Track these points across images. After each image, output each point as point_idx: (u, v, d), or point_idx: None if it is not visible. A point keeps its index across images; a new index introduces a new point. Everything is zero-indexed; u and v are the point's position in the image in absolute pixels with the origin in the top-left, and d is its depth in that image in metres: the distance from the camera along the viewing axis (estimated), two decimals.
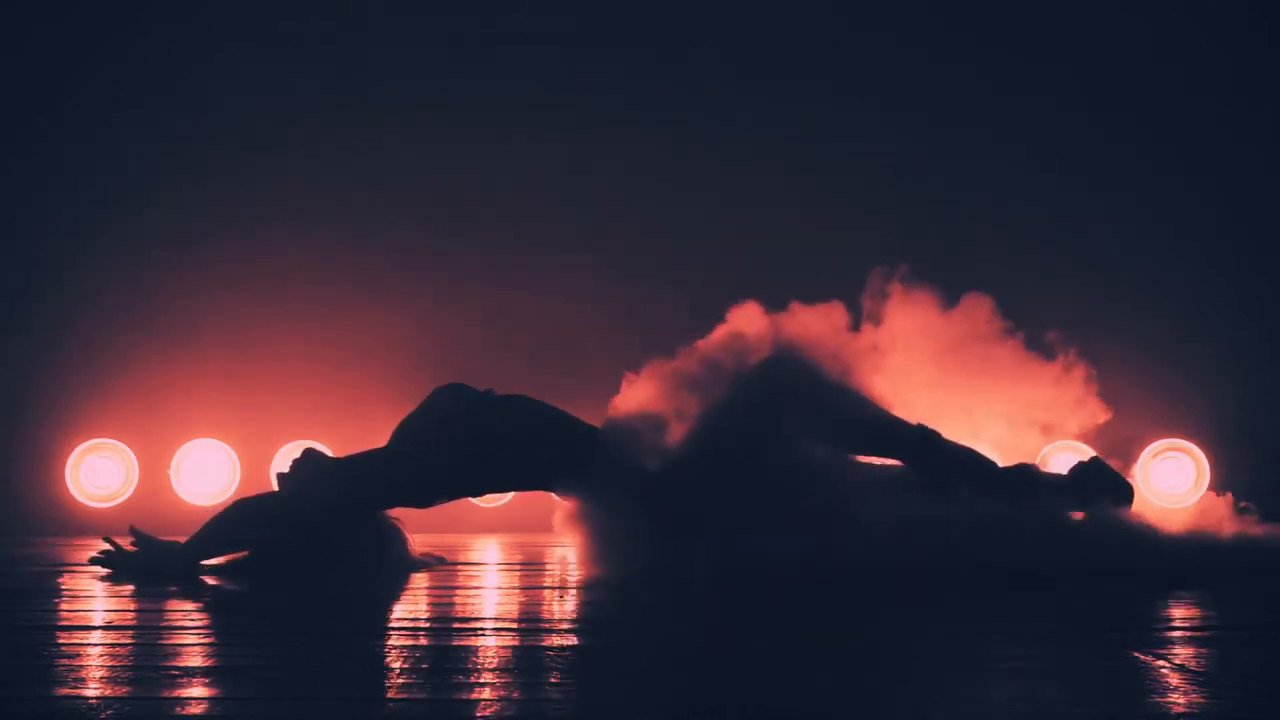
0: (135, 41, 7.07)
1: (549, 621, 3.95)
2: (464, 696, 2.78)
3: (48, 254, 7.02)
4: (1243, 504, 5.03)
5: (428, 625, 3.83)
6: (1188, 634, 3.51)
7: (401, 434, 4.87)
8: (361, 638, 3.63)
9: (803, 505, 4.56)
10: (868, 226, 6.53)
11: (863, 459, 4.78)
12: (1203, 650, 3.26)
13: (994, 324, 5.08)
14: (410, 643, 3.51)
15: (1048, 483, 4.75)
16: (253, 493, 5.11)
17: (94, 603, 4.25)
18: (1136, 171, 6.88)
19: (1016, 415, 5.09)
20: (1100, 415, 5.18)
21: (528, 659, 3.23)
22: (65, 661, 3.14)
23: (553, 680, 2.95)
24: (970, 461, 4.72)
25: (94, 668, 3.06)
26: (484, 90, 6.97)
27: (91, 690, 2.82)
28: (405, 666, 3.12)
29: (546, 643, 3.50)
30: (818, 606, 4.08)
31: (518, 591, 4.54)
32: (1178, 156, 6.87)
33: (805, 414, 4.67)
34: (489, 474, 4.78)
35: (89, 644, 3.40)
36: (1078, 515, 4.70)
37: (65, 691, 2.82)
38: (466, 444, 4.77)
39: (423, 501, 4.89)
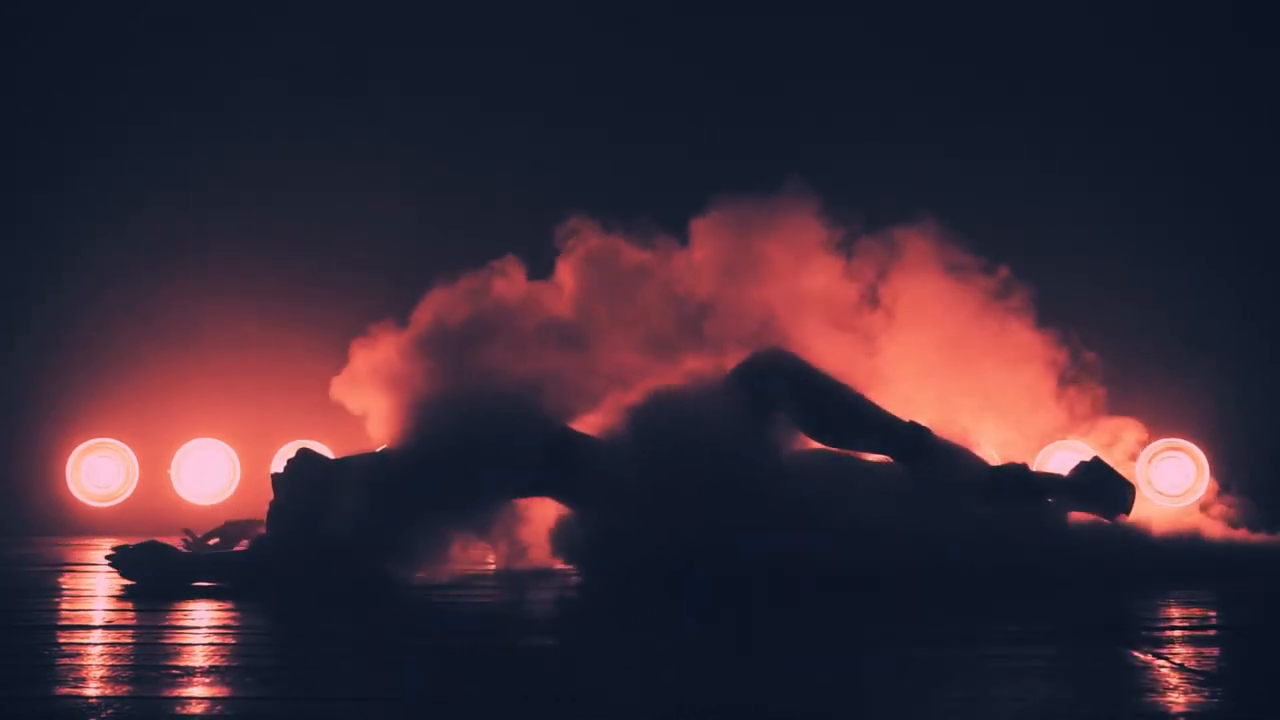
0: (136, 46, 7.06)
1: (532, 622, 3.96)
2: (458, 693, 2.81)
3: (48, 254, 7.02)
4: (1232, 496, 5.04)
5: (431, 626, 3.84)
6: (1188, 634, 3.51)
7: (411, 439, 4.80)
8: (365, 638, 3.63)
9: (794, 506, 4.54)
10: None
11: (855, 455, 4.76)
12: (1203, 650, 3.26)
13: (997, 287, 5.07)
14: (412, 642, 3.53)
15: (1042, 482, 4.73)
16: (252, 492, 5.07)
17: (94, 602, 4.26)
18: (1135, 172, 6.87)
19: (1017, 407, 5.08)
20: (1109, 426, 5.20)
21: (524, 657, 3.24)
22: (65, 661, 3.13)
23: (550, 677, 2.98)
24: (962, 459, 4.71)
25: (94, 667, 3.06)
26: (457, 94, 7.00)
27: (92, 690, 2.81)
28: (405, 666, 3.13)
29: (538, 642, 3.51)
30: (815, 607, 4.08)
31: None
32: (1177, 158, 6.86)
33: (795, 411, 4.65)
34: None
35: (89, 644, 3.40)
36: (1077, 516, 4.69)
37: (65, 691, 2.82)
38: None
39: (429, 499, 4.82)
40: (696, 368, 4.71)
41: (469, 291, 4.88)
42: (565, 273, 4.90)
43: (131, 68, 7.07)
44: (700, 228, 4.96)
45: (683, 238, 4.96)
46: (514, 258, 4.90)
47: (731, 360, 4.75)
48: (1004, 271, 5.09)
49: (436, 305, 4.87)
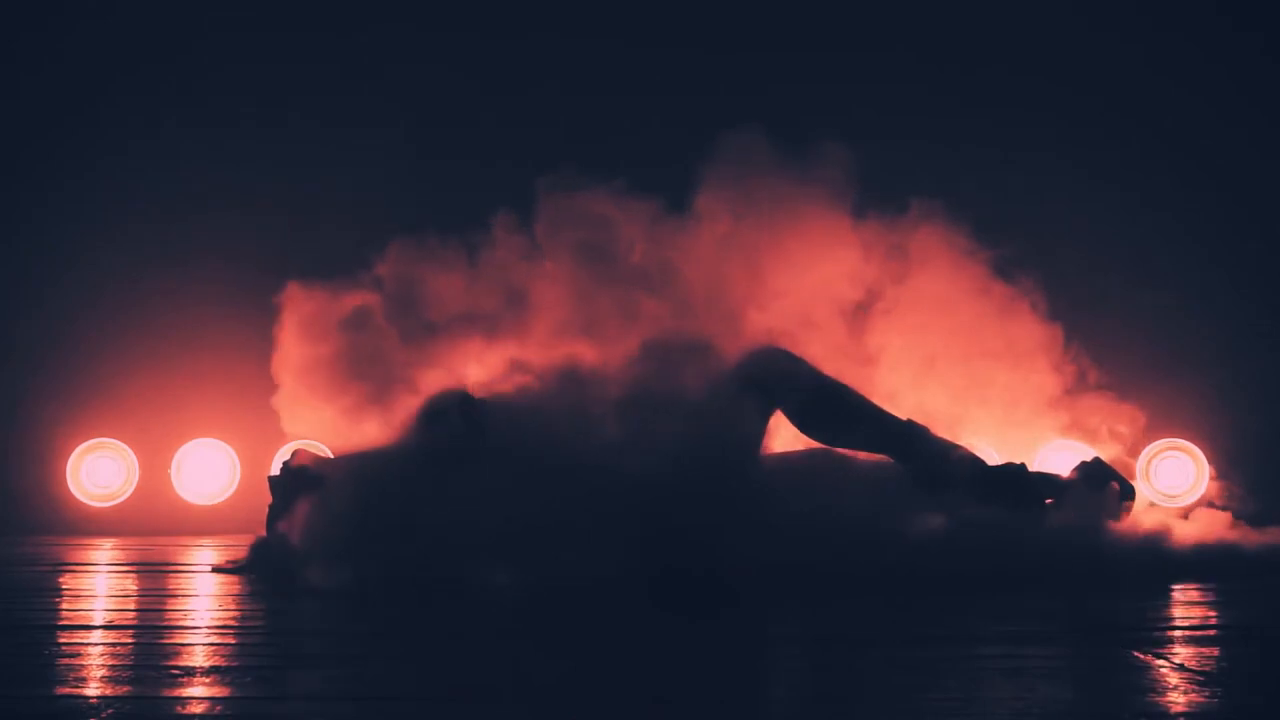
0: (131, 51, 7.06)
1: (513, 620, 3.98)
2: (447, 691, 2.81)
3: (48, 256, 7.01)
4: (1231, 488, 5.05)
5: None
6: (1188, 634, 3.50)
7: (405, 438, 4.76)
8: (360, 639, 3.63)
9: (789, 505, 4.53)
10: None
11: (851, 453, 4.74)
12: (1203, 650, 3.25)
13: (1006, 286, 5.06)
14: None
15: (1040, 482, 4.72)
16: (253, 493, 5.03)
17: (94, 602, 4.25)
18: (1140, 169, 6.86)
19: (1018, 405, 5.07)
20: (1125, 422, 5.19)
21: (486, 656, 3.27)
22: (65, 661, 3.13)
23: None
24: (959, 458, 4.70)
25: (94, 667, 3.05)
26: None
27: (92, 690, 2.81)
28: (404, 665, 3.13)
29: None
30: (815, 607, 4.07)
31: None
32: (1184, 157, 6.84)
33: (795, 410, 4.64)
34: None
35: (89, 644, 3.39)
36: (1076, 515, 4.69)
37: (65, 691, 2.81)
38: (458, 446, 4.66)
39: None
40: (697, 362, 4.68)
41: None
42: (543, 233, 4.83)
43: (128, 72, 7.06)
44: (706, 203, 4.90)
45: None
46: (506, 217, 4.87)
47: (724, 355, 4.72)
48: (1025, 280, 5.08)
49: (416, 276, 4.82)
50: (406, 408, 4.68)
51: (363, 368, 4.72)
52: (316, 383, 4.78)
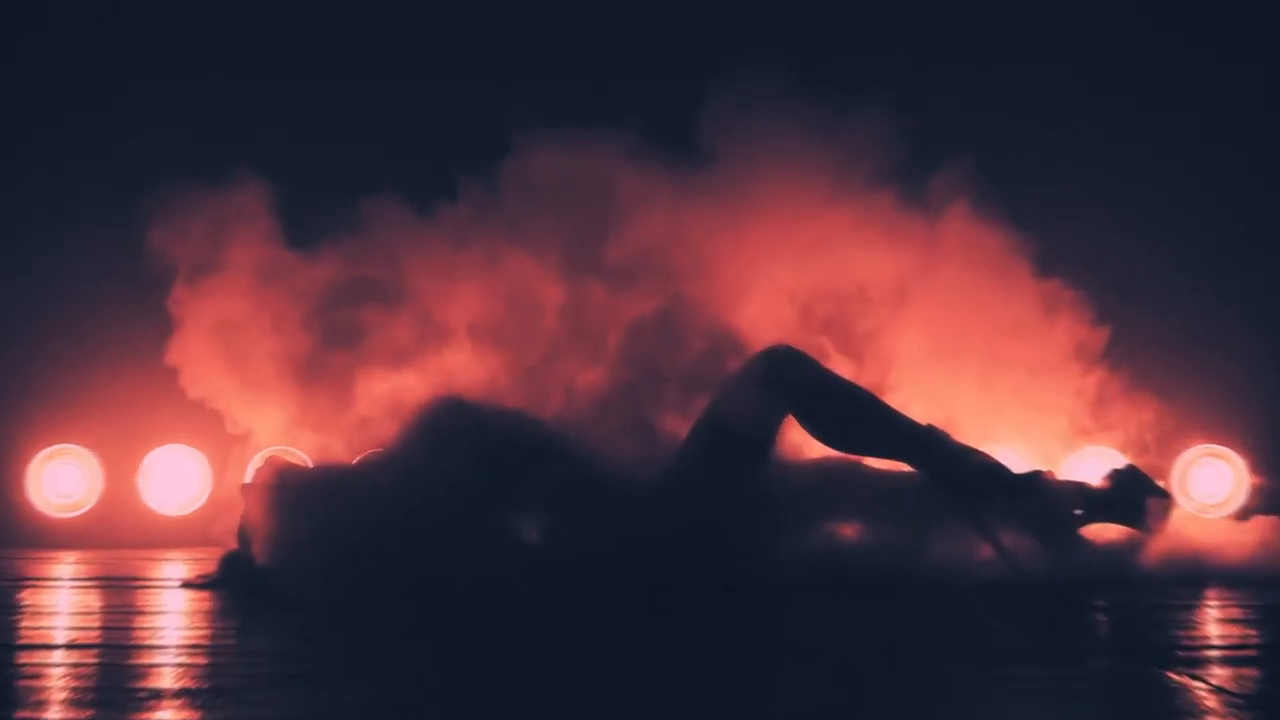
0: (101, 49, 7.01)
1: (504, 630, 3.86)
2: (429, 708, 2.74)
3: (6, 254, 6.92)
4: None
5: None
6: (1226, 654, 3.43)
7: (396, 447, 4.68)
8: (340, 654, 3.55)
9: (797, 513, 4.49)
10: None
11: (870, 461, 4.64)
12: (1242, 671, 3.16)
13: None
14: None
15: (1068, 492, 4.63)
16: (224, 503, 5.02)
17: (56, 619, 4.16)
18: (1181, 157, 6.84)
19: (1044, 409, 5.02)
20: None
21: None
22: (25, 683, 3.06)
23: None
24: (980, 466, 4.59)
25: (56, 689, 2.96)
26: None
27: (54, 714, 2.74)
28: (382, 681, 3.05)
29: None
30: (821, 613, 4.02)
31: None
32: (1227, 144, 6.82)
33: (807, 414, 4.55)
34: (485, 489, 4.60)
35: (50, 664, 3.31)
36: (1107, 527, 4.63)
37: (25, 715, 2.73)
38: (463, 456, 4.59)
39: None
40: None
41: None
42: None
43: (91, 70, 6.99)
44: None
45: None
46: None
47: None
48: (1056, 278, 5.02)
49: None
50: (394, 413, 4.60)
51: (345, 356, 4.64)
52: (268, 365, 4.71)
